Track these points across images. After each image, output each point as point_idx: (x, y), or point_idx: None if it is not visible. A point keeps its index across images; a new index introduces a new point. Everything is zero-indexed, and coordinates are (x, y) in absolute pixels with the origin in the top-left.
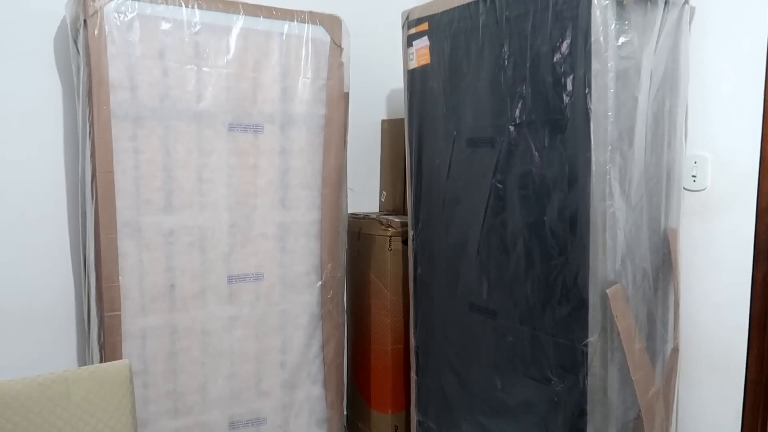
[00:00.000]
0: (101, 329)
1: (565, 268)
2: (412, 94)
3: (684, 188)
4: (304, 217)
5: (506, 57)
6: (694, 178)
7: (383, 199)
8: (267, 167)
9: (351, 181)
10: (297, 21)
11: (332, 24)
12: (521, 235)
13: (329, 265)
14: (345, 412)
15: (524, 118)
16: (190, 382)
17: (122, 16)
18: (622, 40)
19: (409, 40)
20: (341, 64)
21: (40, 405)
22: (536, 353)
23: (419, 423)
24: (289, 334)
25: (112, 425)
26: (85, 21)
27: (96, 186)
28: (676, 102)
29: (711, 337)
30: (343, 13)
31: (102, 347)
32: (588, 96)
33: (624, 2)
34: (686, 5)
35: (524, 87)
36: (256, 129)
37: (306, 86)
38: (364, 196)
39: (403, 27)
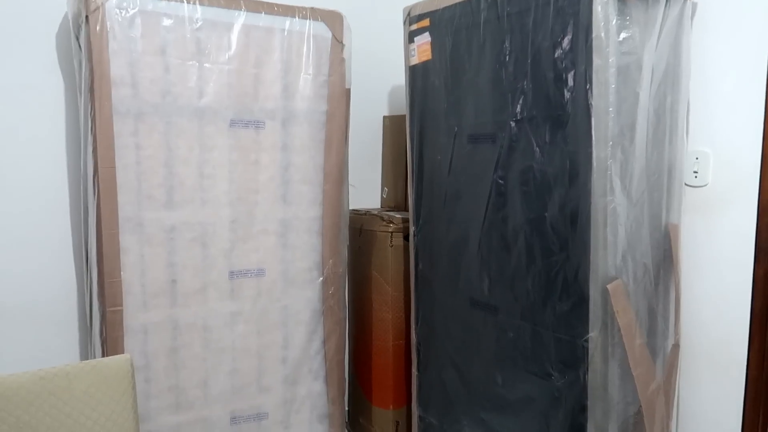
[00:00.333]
0: (103, 324)
1: (565, 264)
2: (413, 90)
3: (685, 184)
4: (306, 213)
5: (507, 53)
6: (695, 174)
7: (385, 195)
8: (268, 163)
9: (352, 177)
10: (298, 17)
11: (334, 20)
12: (522, 230)
13: (330, 261)
14: (346, 408)
15: (525, 113)
16: (192, 377)
17: (124, 12)
18: (623, 35)
19: (410, 36)
20: (343, 60)
21: (42, 399)
22: (537, 349)
23: (420, 418)
24: (290, 329)
25: (114, 419)
26: (86, 17)
27: (98, 181)
28: (678, 98)
29: (712, 333)
30: (344, 9)
31: (104, 342)
32: (589, 92)
33: None
34: (688, 1)
35: (525, 83)
36: (258, 125)
37: (307, 82)
38: (366, 192)
39: (404, 23)
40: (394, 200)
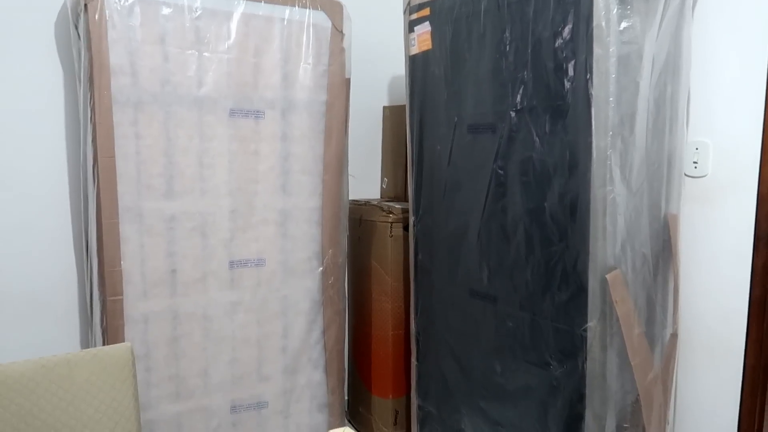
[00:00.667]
0: (103, 314)
1: (565, 254)
2: (413, 80)
3: (685, 174)
4: (306, 203)
5: (508, 42)
6: (695, 165)
7: (384, 186)
8: (268, 153)
9: (352, 167)
10: (298, 6)
11: (333, 9)
12: (522, 221)
13: (330, 251)
14: (346, 397)
15: (525, 103)
16: (192, 366)
17: (123, 0)
18: (624, 25)
19: (410, 26)
20: (342, 49)
21: (44, 387)
22: (536, 338)
23: (419, 408)
24: (290, 319)
25: (115, 407)
26: (85, 5)
27: (97, 171)
28: (678, 88)
29: (710, 322)
30: None
31: (104, 331)
32: (589, 81)
33: None
34: None
35: (525, 72)
36: (257, 115)
37: (307, 72)
38: (366, 182)
39: (404, 12)
40: (394, 191)
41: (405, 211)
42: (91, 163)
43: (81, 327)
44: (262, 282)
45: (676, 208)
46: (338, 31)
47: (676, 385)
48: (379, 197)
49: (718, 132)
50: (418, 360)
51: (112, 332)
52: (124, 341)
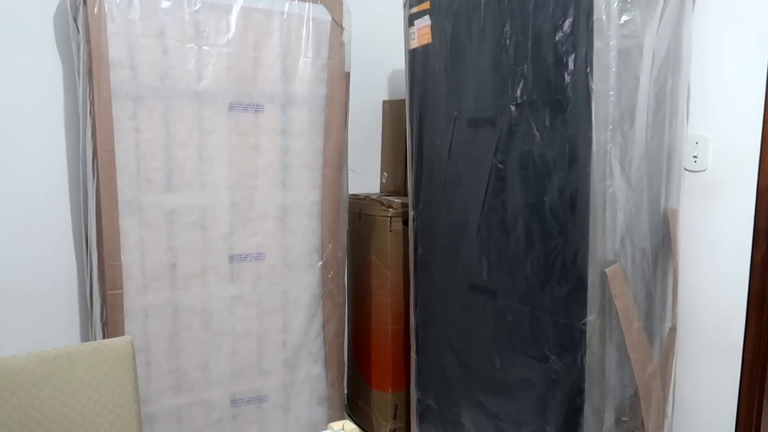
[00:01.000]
0: (103, 307)
1: (564, 248)
2: (413, 74)
3: (685, 169)
4: (305, 197)
5: (508, 36)
6: (695, 159)
7: (384, 180)
8: (268, 147)
9: (352, 161)
10: (297, 0)
11: (333, 3)
12: (521, 215)
13: (330, 246)
14: (345, 391)
15: (525, 97)
16: (192, 360)
17: None
18: (624, 18)
19: (410, 20)
20: (342, 43)
21: (44, 380)
22: (535, 332)
23: (419, 402)
24: (290, 313)
25: (116, 400)
26: None
27: (97, 165)
28: (678, 82)
29: (709, 316)
30: None
31: (105, 325)
32: (589, 75)
33: None
34: None
35: (526, 66)
36: (257, 109)
37: (307, 66)
38: (365, 176)
39: (404, 6)
40: (394, 185)
41: (404, 205)
42: (91, 157)
43: (81, 321)
44: (262, 276)
45: (675, 202)
46: (338, 25)
47: (674, 379)
48: (378, 192)
49: (718, 126)
50: (417, 354)
51: (112, 326)
52: (124, 335)
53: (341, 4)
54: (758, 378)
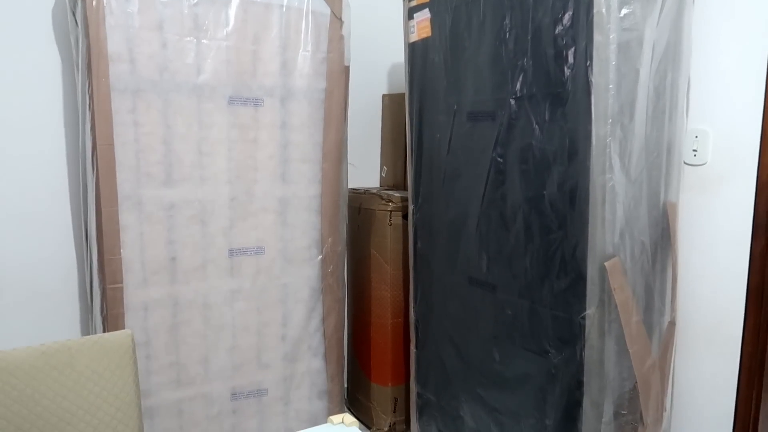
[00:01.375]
0: (103, 301)
1: (564, 242)
2: (412, 67)
3: (684, 162)
4: (305, 191)
5: (507, 29)
6: (694, 153)
7: (384, 174)
8: (267, 141)
9: (351, 155)
10: None
11: None
12: (521, 209)
13: (330, 240)
14: (345, 385)
15: (525, 91)
16: (192, 354)
17: None
18: (624, 11)
19: (410, 13)
20: (341, 37)
21: (45, 373)
22: (534, 326)
23: (418, 395)
24: (289, 307)
25: (116, 393)
26: None
27: (96, 159)
28: (678, 75)
29: (708, 310)
30: None
31: (105, 319)
32: (589, 69)
33: None
34: None
35: (525, 60)
36: (257, 102)
37: (306, 59)
38: (365, 171)
39: None
40: (393, 179)
41: (404, 199)
42: (90, 151)
43: (81, 315)
44: (262, 270)
45: (675, 196)
46: (337, 18)
47: (673, 372)
48: (378, 186)
49: (717, 120)
50: (417, 348)
51: (112, 320)
52: (124, 329)
53: None
54: (757, 371)
